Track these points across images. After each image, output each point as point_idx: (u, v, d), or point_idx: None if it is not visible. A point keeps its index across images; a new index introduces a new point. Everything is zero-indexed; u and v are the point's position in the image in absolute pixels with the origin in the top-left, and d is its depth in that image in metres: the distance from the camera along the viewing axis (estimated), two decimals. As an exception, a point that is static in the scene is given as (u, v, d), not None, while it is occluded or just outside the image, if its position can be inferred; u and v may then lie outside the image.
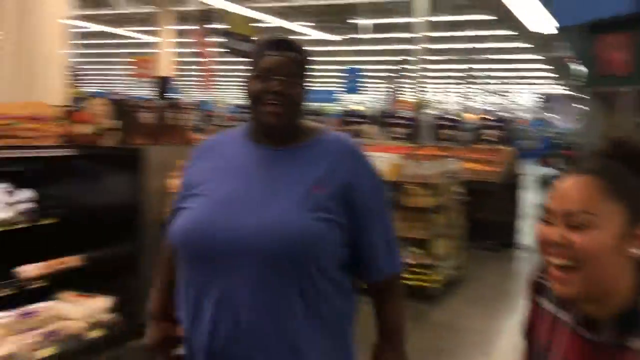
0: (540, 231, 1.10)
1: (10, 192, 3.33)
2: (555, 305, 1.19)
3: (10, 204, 3.29)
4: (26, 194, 3.37)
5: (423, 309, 5.53)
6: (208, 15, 12.90)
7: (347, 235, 1.52)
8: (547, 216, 1.09)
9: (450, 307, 5.77)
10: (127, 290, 3.56)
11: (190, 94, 30.38)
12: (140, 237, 3.53)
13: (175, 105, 3.80)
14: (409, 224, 5.75)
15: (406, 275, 5.76)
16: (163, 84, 12.32)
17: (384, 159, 5.85)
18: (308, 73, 1.57)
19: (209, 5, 12.96)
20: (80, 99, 4.72)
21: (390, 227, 1.66)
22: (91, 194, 3.64)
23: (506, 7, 13.32)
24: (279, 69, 1.50)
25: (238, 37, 13.20)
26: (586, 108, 11.98)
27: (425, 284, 5.70)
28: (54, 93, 4.27)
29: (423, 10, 14.88)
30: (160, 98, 11.61)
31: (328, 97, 25.16)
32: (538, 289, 1.25)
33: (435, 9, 16.86)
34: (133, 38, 21.70)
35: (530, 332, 1.27)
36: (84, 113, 3.71)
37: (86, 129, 3.67)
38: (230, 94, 38.40)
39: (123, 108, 3.77)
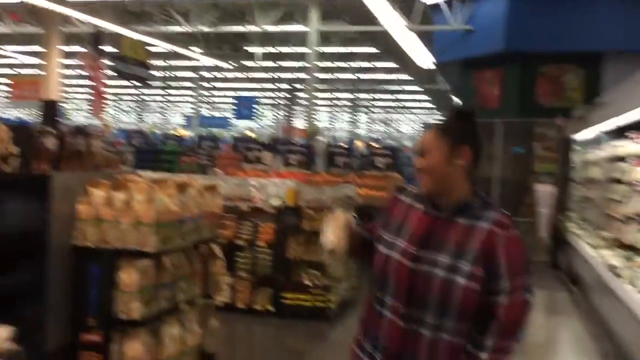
0: (414, 162, 1.99)
1: None
2: (412, 199, 1.99)
3: None
4: None
5: (322, 328, 5.78)
6: (98, 37, 12.62)
7: None
8: (416, 155, 1.96)
9: (346, 325, 6.06)
10: (30, 319, 3.49)
11: (77, 118, 29.16)
12: (45, 264, 3.49)
13: (82, 131, 3.81)
14: (308, 247, 6.00)
15: (304, 297, 6.00)
16: (50, 107, 11.85)
17: (282, 185, 6.09)
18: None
19: (100, 27, 12.71)
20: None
21: None
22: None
23: (393, 41, 14.14)
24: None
25: (130, 61, 13.02)
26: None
27: (323, 305, 5.95)
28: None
29: (314, 40, 15.53)
30: (46, 122, 11.15)
31: (222, 123, 25.18)
32: (399, 190, 2.08)
33: (326, 40, 17.64)
34: (11, 57, 20.59)
35: (388, 213, 2.03)
36: (-16, 138, 3.63)
37: (-13, 155, 3.59)
38: (121, 118, 37.21)
39: (26, 133, 3.73)
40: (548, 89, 11.92)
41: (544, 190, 10.16)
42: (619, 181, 6.89)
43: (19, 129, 3.78)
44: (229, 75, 25.64)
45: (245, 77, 25.57)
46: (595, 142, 8.44)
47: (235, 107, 22.61)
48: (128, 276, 3.43)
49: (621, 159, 6.81)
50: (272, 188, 6.03)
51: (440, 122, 2.02)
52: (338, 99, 31.13)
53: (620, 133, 6.90)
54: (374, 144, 17.74)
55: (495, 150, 11.91)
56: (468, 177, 1.90)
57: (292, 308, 6.02)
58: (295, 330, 5.69)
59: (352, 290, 6.78)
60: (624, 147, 6.55)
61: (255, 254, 6.17)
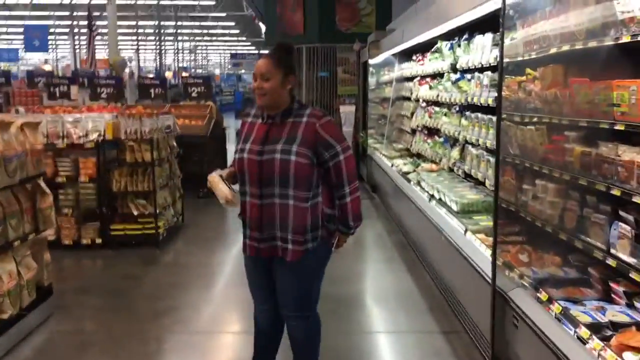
0: (253, 82, 2.80)
1: None
2: (252, 117, 2.89)
3: None
4: None
5: (152, 253, 6.07)
6: None
7: None
8: (255, 77, 2.77)
9: (175, 249, 6.42)
10: None
11: None
12: None
13: None
14: (133, 179, 6.15)
15: (133, 226, 6.21)
16: None
17: (100, 120, 6.08)
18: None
19: None
20: None
21: None
22: None
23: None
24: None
25: None
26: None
27: (151, 232, 6.21)
28: None
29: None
30: None
31: (12, 56, 22.75)
32: (243, 115, 2.95)
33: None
34: None
35: (239, 133, 2.89)
36: None
37: None
38: None
39: None
40: (346, 15, 12.80)
41: (347, 111, 11.15)
42: (407, 99, 7.93)
43: None
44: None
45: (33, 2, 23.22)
46: (387, 64, 9.45)
47: (24, 38, 20.60)
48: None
49: (409, 79, 7.81)
50: (90, 123, 5.99)
51: (273, 55, 2.77)
52: (141, 27, 29.66)
53: (407, 56, 7.87)
54: (184, 74, 17.51)
55: (301, 75, 12.64)
56: (291, 93, 2.79)
57: (121, 238, 6.20)
58: (128, 258, 5.91)
59: (178, 216, 7.10)
60: (411, 68, 7.52)
61: (78, 189, 6.17)
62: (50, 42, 23.16)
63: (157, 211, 6.23)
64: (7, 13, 25.29)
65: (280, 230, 2.73)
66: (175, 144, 7.08)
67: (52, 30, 24.61)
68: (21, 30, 22.33)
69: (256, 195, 2.73)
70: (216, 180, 2.77)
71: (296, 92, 2.89)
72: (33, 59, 35.29)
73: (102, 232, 6.17)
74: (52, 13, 25.60)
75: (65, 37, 30.02)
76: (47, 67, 23.75)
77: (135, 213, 6.19)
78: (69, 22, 25.60)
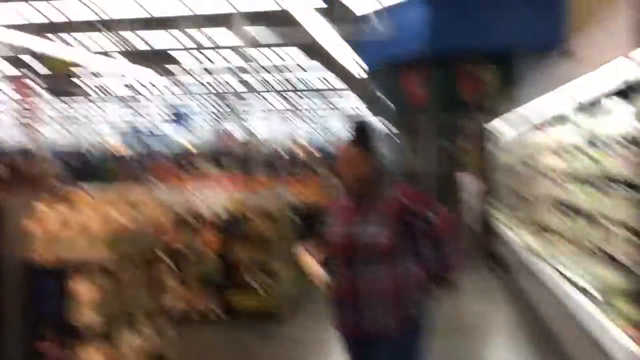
0: (339, 168, 2.81)
1: None
2: (341, 197, 2.88)
3: None
4: None
5: (272, 328, 6.03)
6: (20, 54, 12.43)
7: None
8: (339, 160, 2.81)
9: (294, 323, 6.34)
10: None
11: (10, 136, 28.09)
12: (1, 284, 3.61)
13: (26, 154, 3.93)
14: (252, 251, 6.24)
15: (252, 299, 6.24)
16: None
17: (224, 192, 6.30)
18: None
19: (27, 48, 12.51)
20: None
21: None
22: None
23: (322, 49, 14.53)
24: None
25: (58, 77, 12.88)
26: (394, 137, 13.48)
27: (271, 305, 6.21)
28: None
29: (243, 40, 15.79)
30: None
31: (161, 138, 24.86)
32: (334, 196, 3.04)
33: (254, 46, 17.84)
34: None
35: (330, 213, 2.89)
36: None
37: None
38: (53, 135, 36.04)
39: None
40: (468, 85, 12.63)
41: (469, 182, 10.78)
42: (533, 168, 7.49)
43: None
44: (159, 85, 25.43)
45: (176, 85, 25.43)
46: (514, 134, 9.07)
47: (169, 117, 22.48)
48: (81, 287, 3.59)
49: (535, 148, 7.40)
50: (214, 195, 6.23)
51: (353, 136, 2.82)
52: (271, 104, 31.41)
53: (532, 125, 7.50)
54: (309, 148, 18.08)
55: (423, 145, 12.51)
56: (376, 170, 2.79)
57: (240, 310, 6.25)
58: (245, 331, 5.92)
59: (298, 290, 7.06)
60: (540, 138, 7.13)
61: (201, 260, 6.35)
62: (191, 120, 25.05)
63: (277, 284, 6.24)
64: (152, 95, 27.89)
65: (377, 305, 2.70)
66: (297, 216, 7.15)
67: (192, 109, 26.64)
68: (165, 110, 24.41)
69: (347, 272, 2.75)
70: (306, 256, 2.88)
71: (381, 168, 2.89)
72: (174, 137, 38.26)
73: (222, 302, 6.26)
74: (192, 96, 27.83)
75: (203, 116, 32.39)
76: (189, 147, 25.48)
77: (255, 286, 6.23)
78: (207, 103, 27.68)
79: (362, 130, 2.83)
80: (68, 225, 3.66)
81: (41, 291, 3.69)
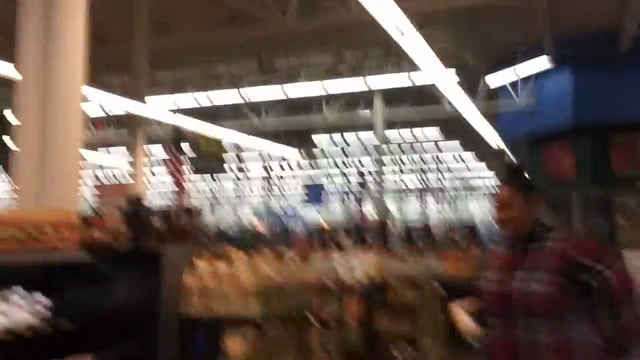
0: (496, 212, 2.58)
1: (29, 297, 3.47)
2: (496, 247, 2.70)
3: (29, 308, 3.42)
4: (45, 298, 3.51)
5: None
6: (179, 137, 13.55)
7: None
8: (497, 207, 2.57)
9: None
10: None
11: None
12: (156, 334, 3.71)
13: (187, 210, 4.13)
14: (395, 321, 5.99)
15: (395, 372, 5.92)
16: (136, 203, 12.56)
17: (367, 260, 6.18)
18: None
19: (183, 128, 13.69)
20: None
21: None
22: (108, 295, 3.83)
23: (458, 123, 14.43)
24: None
25: (208, 157, 13.85)
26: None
27: (414, 380, 5.84)
28: (70, 200, 4.48)
29: (380, 126, 16.05)
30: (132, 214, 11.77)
31: (296, 218, 25.70)
32: (491, 249, 2.74)
33: (391, 125, 18.19)
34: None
35: (487, 265, 2.63)
36: (100, 219, 3.99)
37: (103, 234, 3.93)
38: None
39: (137, 214, 4.08)
40: (623, 157, 11.74)
41: (634, 260, 9.77)
42: None
43: (130, 209, 4.13)
44: (297, 164, 26.50)
45: (313, 166, 26.33)
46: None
47: (306, 196, 23.18)
48: (233, 342, 3.59)
49: None
50: (357, 263, 6.13)
51: (508, 179, 2.61)
52: (405, 183, 31.41)
53: None
54: (448, 223, 17.65)
55: (573, 222, 11.65)
56: (534, 216, 2.53)
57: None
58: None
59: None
60: None
61: (343, 329, 6.19)
62: (325, 199, 25.66)
63: (420, 356, 5.89)
64: (291, 175, 29.02)
65: None
66: (439, 287, 6.83)
67: (327, 187, 27.32)
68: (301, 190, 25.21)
69: (500, 330, 2.48)
70: (458, 309, 2.73)
71: (541, 212, 2.62)
72: (308, 215, 39.23)
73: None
74: (326, 174, 28.62)
75: (339, 193, 33.03)
76: (325, 225, 25.90)
77: (398, 357, 5.93)
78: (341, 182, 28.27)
79: (515, 171, 2.67)
80: (222, 279, 3.74)
81: (194, 344, 3.75)
